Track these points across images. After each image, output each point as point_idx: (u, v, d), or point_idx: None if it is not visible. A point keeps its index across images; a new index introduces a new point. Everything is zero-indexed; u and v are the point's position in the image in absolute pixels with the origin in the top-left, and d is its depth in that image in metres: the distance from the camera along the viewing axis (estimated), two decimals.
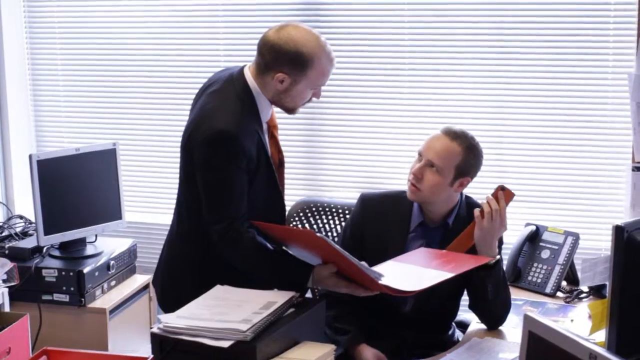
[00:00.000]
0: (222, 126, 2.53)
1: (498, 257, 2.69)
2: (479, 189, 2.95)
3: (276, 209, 2.76)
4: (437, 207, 2.79)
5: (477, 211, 2.69)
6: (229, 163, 2.54)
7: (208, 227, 2.59)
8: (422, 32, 3.68)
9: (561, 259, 3.09)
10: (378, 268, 2.54)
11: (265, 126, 2.68)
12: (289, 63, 2.55)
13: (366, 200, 2.88)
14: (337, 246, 2.47)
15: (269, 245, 2.59)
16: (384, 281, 2.44)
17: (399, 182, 3.51)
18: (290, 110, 2.69)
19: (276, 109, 2.73)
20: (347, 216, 3.25)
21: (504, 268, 2.82)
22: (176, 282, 2.78)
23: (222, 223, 2.56)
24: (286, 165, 2.83)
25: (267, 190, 2.68)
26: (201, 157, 2.58)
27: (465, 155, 2.73)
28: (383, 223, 2.81)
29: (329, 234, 3.26)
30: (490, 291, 2.67)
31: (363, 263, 2.47)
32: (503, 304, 2.73)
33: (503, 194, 2.68)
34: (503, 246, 2.82)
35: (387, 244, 2.76)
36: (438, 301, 2.76)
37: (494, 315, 2.74)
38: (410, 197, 2.77)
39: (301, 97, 2.64)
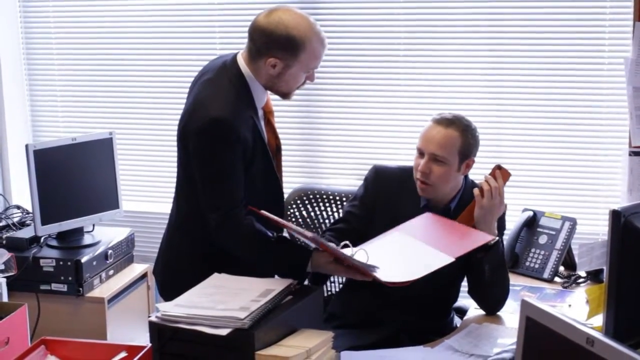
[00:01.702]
0: (216, 114, 2.51)
1: (497, 238, 2.69)
2: (478, 176, 2.95)
3: (274, 195, 2.75)
4: (444, 193, 2.79)
5: (476, 190, 2.70)
6: (224, 151, 2.53)
7: (206, 216, 2.59)
8: (418, 17, 3.68)
9: (559, 244, 3.09)
10: (381, 240, 2.54)
11: (260, 112, 2.67)
12: (281, 47, 2.54)
13: (380, 172, 2.89)
14: (331, 244, 2.49)
15: (267, 232, 2.59)
16: (378, 274, 2.44)
17: None
18: (285, 95, 2.67)
19: (272, 95, 2.73)
20: (345, 203, 3.24)
21: None
22: (176, 271, 2.78)
23: (219, 211, 2.55)
24: (283, 152, 2.82)
25: (264, 176, 2.67)
26: (196, 145, 2.57)
27: (464, 137, 2.74)
28: (394, 195, 2.82)
29: (327, 221, 3.26)
30: (487, 272, 2.68)
31: (358, 254, 2.47)
32: (501, 287, 2.74)
33: (500, 173, 2.70)
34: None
35: (398, 216, 2.76)
36: (439, 285, 2.76)
37: (492, 299, 2.75)
38: (422, 194, 2.77)
39: (295, 82, 2.63)
